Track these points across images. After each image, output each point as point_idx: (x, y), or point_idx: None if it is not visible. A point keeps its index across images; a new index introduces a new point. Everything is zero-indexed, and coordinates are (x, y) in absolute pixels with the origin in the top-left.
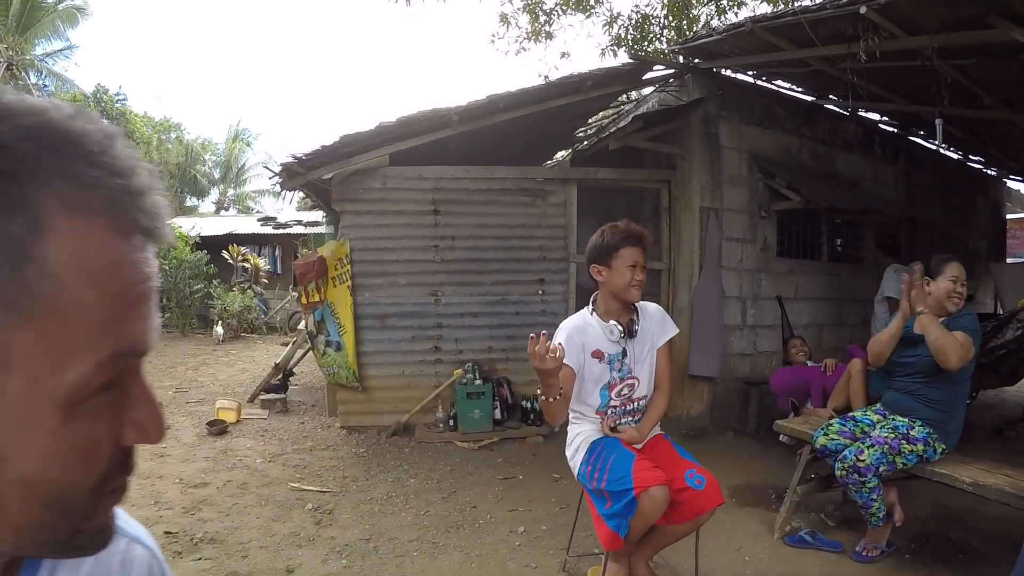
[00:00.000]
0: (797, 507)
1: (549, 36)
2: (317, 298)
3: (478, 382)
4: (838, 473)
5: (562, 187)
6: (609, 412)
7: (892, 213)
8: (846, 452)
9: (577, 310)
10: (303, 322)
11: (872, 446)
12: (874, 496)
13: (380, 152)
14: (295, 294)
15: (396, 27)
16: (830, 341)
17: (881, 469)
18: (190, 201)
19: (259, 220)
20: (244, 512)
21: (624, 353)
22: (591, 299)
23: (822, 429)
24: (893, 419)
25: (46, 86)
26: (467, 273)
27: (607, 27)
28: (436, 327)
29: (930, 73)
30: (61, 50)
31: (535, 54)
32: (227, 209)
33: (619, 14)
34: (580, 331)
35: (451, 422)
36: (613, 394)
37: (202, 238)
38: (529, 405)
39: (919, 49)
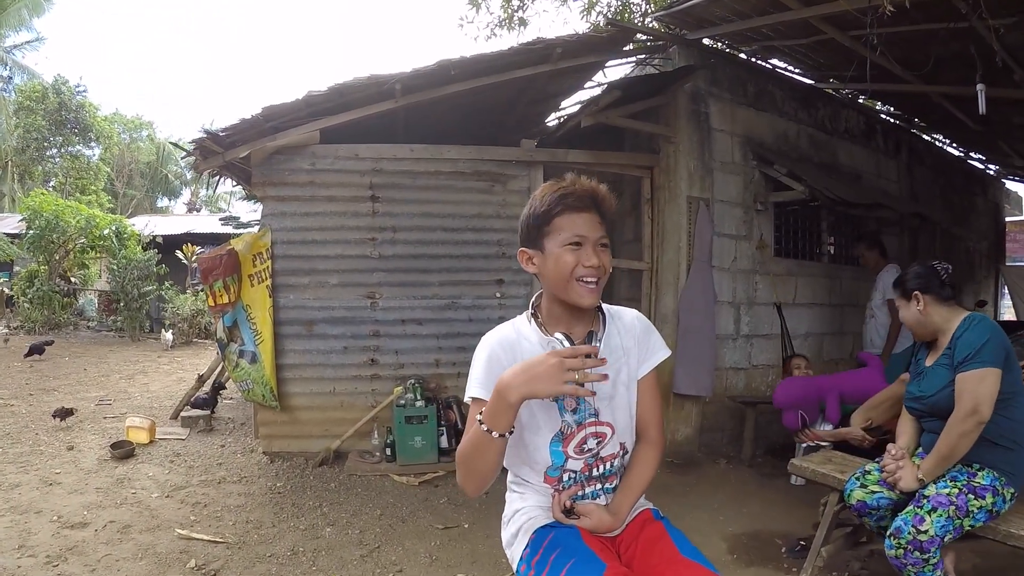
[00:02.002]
0: (819, 570)
1: (523, 23)
2: (226, 299)
3: (419, 403)
4: (892, 553)
5: (526, 171)
6: (566, 479)
7: (902, 209)
8: (900, 523)
9: None
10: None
11: (933, 510)
12: (938, 573)
13: (310, 127)
14: (200, 293)
15: (394, 29)
16: (831, 352)
17: (947, 539)
18: (162, 202)
19: (221, 220)
20: (113, 568)
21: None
22: (533, 300)
23: (857, 479)
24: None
25: (11, 77)
26: (410, 272)
27: (585, 13)
28: (373, 336)
29: (959, 40)
30: (29, 41)
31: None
32: (198, 210)
33: None
34: (509, 349)
35: (388, 451)
36: (570, 450)
37: (160, 237)
38: None
39: (954, 1)
